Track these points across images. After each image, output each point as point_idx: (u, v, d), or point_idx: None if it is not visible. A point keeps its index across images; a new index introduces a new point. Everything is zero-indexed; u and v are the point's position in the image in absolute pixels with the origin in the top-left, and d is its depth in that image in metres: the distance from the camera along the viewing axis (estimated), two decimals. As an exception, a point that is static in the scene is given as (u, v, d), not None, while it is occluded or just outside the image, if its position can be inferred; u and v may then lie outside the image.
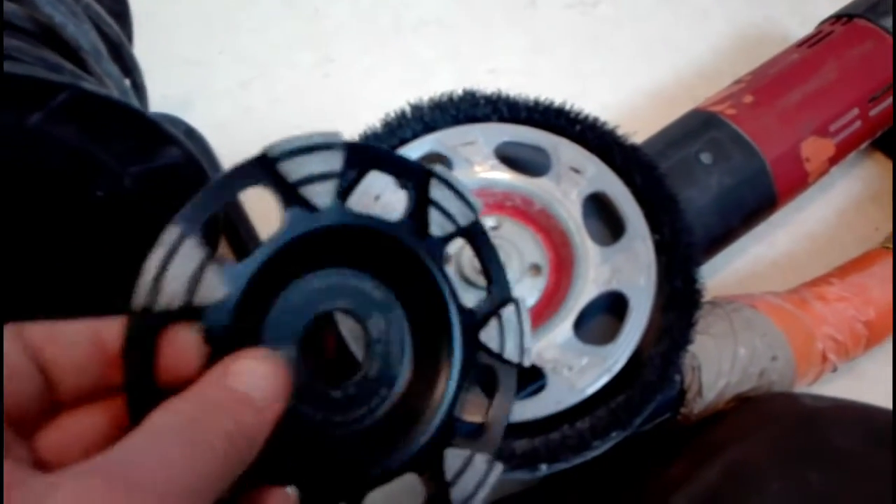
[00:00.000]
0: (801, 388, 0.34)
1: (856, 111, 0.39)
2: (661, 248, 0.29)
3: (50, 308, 0.33)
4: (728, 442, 0.26)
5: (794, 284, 0.37)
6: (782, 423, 0.26)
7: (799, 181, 0.38)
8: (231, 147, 0.48)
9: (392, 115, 0.31)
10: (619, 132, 0.31)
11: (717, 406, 0.30)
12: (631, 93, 0.49)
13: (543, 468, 0.25)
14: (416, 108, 0.31)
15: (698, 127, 0.38)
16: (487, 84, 0.48)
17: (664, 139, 0.38)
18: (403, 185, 0.26)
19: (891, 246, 0.38)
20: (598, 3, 0.52)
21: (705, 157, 0.36)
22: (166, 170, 0.30)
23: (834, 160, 0.39)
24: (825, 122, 0.38)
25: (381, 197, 0.29)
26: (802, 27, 0.48)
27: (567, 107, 0.31)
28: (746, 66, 0.43)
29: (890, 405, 0.29)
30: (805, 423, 0.26)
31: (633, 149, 0.30)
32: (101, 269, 0.34)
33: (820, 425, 0.26)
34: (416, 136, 0.31)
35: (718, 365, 0.30)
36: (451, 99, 0.31)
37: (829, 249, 0.42)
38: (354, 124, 0.49)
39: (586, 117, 0.31)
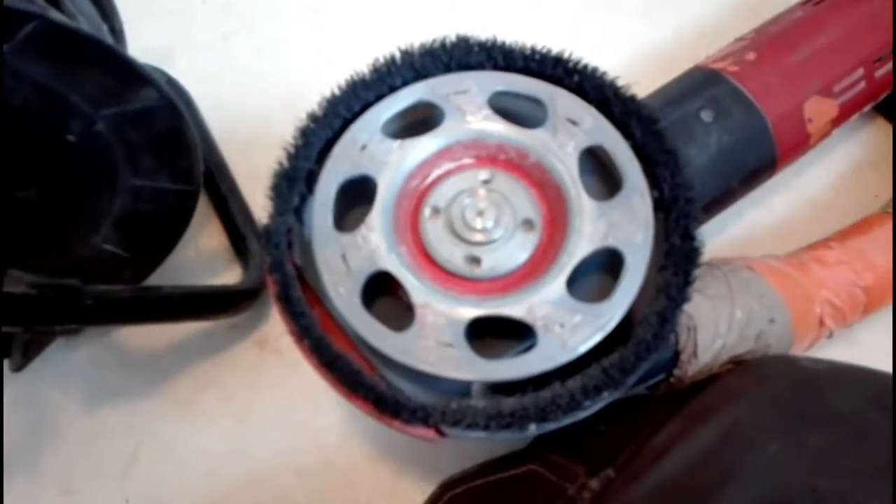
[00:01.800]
0: (796, 353, 0.33)
1: (861, 71, 0.37)
2: (659, 205, 0.28)
3: (18, 248, 0.31)
4: (723, 403, 0.25)
5: (791, 250, 0.37)
6: (779, 385, 0.26)
7: (800, 142, 0.37)
8: (214, 100, 0.46)
9: (381, 61, 0.29)
10: (619, 83, 0.30)
11: (711, 369, 0.29)
12: (631, 53, 0.48)
13: (533, 428, 0.24)
14: (407, 55, 0.30)
15: (699, 84, 0.36)
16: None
17: (663, 96, 0.36)
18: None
19: (891, 211, 0.37)
20: (598, -40, 0.50)
21: (706, 115, 0.35)
22: (142, 113, 0.28)
23: (836, 122, 0.38)
24: (830, 81, 0.37)
25: (368, 146, 0.28)
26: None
27: (565, 55, 0.30)
28: (748, 26, 0.42)
29: (885, 371, 0.28)
30: (803, 385, 0.25)
31: (633, 101, 0.29)
32: (67, 212, 0.32)
33: (818, 387, 0.25)
34: (405, 83, 0.30)
35: (715, 326, 0.29)
36: (443, 45, 0.30)
37: (826, 215, 0.41)
38: (342, 79, 0.48)
39: (585, 66, 0.29)
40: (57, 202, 0.31)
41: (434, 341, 0.25)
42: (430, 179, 0.29)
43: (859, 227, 0.37)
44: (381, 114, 0.29)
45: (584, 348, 0.25)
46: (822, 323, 0.33)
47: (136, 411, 0.39)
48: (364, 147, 0.28)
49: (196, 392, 0.39)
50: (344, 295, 0.25)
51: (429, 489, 0.35)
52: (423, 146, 0.29)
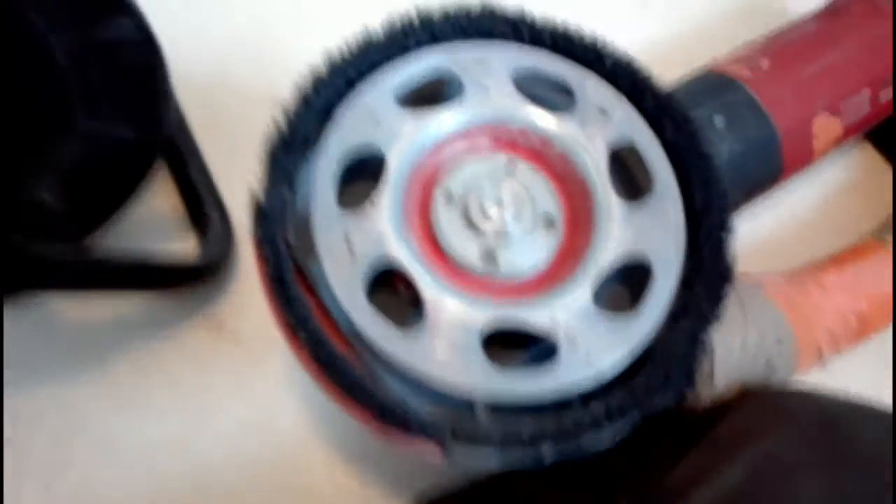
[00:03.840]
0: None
1: (867, 92, 0.37)
2: (689, 213, 0.25)
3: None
4: (748, 439, 0.23)
5: (776, 268, 0.35)
6: (805, 421, 0.24)
7: (805, 158, 0.36)
8: (168, 39, 0.41)
9: (397, 20, 0.26)
10: (652, 76, 0.27)
11: (724, 395, 0.27)
12: (625, 47, 0.46)
13: (547, 452, 0.22)
14: (425, 17, 0.26)
15: (712, 88, 0.34)
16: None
17: (675, 96, 0.34)
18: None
19: (884, 238, 0.37)
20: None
21: (719, 121, 0.33)
22: (112, 45, 0.24)
23: (838, 141, 0.37)
24: (838, 99, 0.36)
25: (378, 115, 0.25)
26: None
27: (597, 38, 0.27)
28: (746, 33, 0.41)
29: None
30: (829, 424, 0.24)
31: (667, 96, 0.27)
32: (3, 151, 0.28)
33: (845, 427, 0.24)
34: (419, 46, 0.26)
35: (729, 347, 0.27)
36: (466, 12, 0.26)
37: (812, 236, 0.41)
38: (308, 26, 0.44)
39: (619, 53, 0.27)
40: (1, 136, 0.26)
41: (445, 344, 0.22)
42: (443, 160, 0.26)
43: (854, 254, 0.36)
44: (393, 79, 0.25)
45: (610, 366, 0.22)
46: (820, 351, 0.32)
47: (66, 393, 0.34)
48: (374, 115, 0.24)
49: (139, 378, 0.34)
50: (346, 283, 0.22)
51: (390, 496, 0.32)
52: (440, 120, 0.25)
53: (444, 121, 0.25)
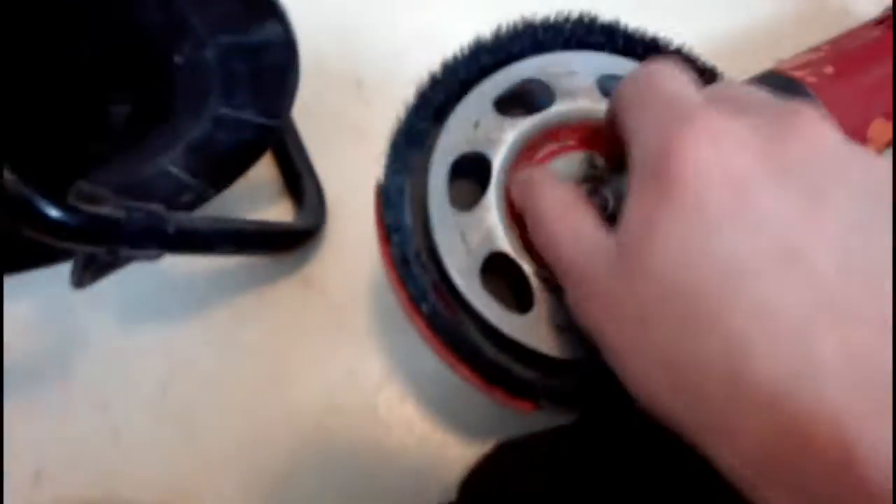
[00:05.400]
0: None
1: (921, 99, 0.39)
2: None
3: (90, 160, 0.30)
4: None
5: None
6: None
7: (858, 160, 0.39)
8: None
9: (503, 28, 0.29)
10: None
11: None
12: (689, 39, 0.48)
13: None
14: (529, 25, 0.29)
15: (778, 90, 0.37)
16: (551, 4, 0.47)
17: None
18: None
19: None
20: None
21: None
22: (257, 47, 0.27)
23: (889, 144, 0.40)
24: (893, 105, 0.38)
25: (481, 123, 0.28)
26: (867, 2, 0.48)
27: (685, 49, 0.30)
28: (808, 32, 0.43)
29: None
30: None
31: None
32: (146, 130, 0.31)
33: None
34: (523, 53, 0.29)
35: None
36: (566, 20, 0.29)
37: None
38: (398, 17, 0.47)
39: (706, 65, 0.30)
40: (142, 119, 0.30)
41: (550, 324, 0.25)
42: (537, 159, 0.29)
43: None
44: (492, 90, 0.28)
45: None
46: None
47: (173, 336, 0.38)
48: (477, 124, 0.28)
49: (235, 325, 0.39)
50: (465, 273, 0.26)
51: (462, 441, 0.36)
52: (533, 125, 0.28)
53: (536, 124, 0.28)
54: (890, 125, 0.38)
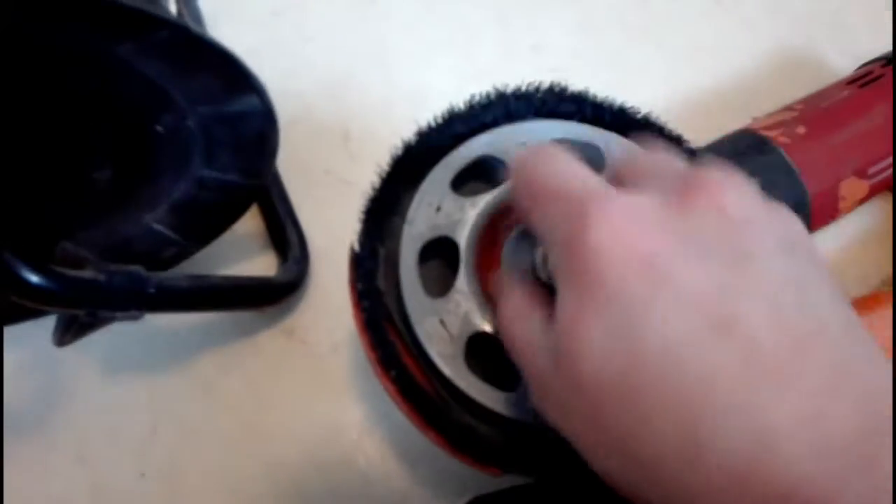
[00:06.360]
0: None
1: (891, 158, 0.40)
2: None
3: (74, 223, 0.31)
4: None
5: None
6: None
7: (830, 217, 0.39)
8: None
9: (476, 97, 0.30)
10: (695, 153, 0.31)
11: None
12: (669, 93, 0.49)
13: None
14: (501, 96, 0.30)
15: (750, 149, 0.38)
16: (528, 62, 0.48)
17: (713, 153, 0.38)
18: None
19: (889, 289, 0.40)
20: (655, -6, 0.51)
21: (754, 182, 0.36)
22: (237, 116, 0.28)
23: (863, 201, 0.41)
24: (866, 164, 0.39)
25: (442, 207, 0.28)
26: (841, 57, 0.49)
27: (653, 117, 0.31)
28: (784, 87, 0.44)
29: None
30: None
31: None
32: (129, 192, 0.32)
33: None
34: (496, 122, 0.30)
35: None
36: (537, 90, 0.30)
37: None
38: (385, 73, 0.48)
39: (672, 133, 0.31)
40: (124, 184, 0.31)
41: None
42: (501, 234, 0.29)
43: (866, 303, 0.39)
44: (446, 174, 0.29)
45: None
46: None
47: (156, 387, 0.39)
48: (439, 208, 0.28)
49: (218, 374, 0.39)
50: (450, 359, 0.26)
51: (439, 495, 0.37)
52: (493, 199, 0.29)
53: (496, 199, 0.29)
54: (863, 182, 0.39)
